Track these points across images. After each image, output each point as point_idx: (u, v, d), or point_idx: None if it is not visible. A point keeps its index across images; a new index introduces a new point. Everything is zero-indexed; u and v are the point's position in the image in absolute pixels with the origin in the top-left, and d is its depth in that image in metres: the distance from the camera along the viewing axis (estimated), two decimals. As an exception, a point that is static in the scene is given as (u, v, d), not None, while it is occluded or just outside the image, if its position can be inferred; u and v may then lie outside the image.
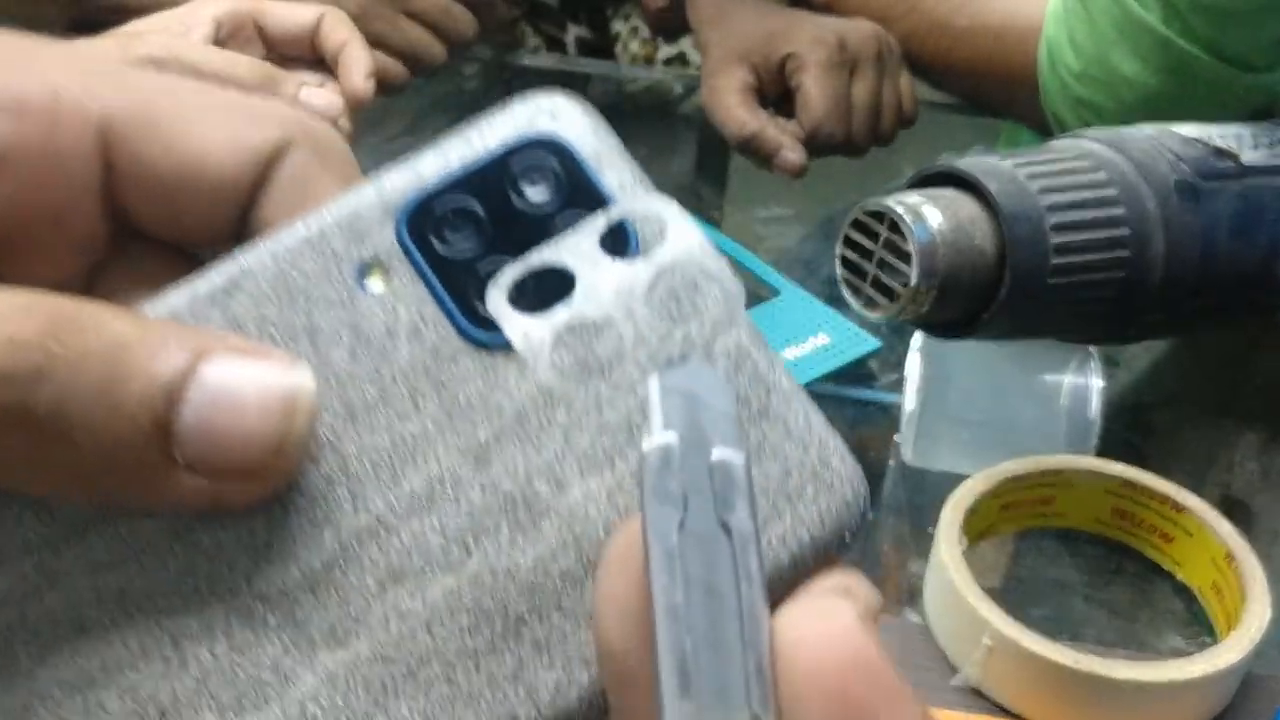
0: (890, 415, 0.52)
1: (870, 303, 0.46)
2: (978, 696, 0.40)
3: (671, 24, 0.82)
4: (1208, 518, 0.43)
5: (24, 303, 0.15)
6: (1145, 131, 0.49)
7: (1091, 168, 0.46)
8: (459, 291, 0.17)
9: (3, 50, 0.18)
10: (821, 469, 0.17)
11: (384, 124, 0.75)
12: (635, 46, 0.93)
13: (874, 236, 0.45)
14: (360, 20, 0.67)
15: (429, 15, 0.69)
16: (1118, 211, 0.46)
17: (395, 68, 0.68)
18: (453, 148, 0.18)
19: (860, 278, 0.46)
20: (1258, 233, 0.49)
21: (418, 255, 0.17)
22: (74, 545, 0.16)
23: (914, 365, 0.49)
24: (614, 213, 0.17)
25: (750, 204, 0.73)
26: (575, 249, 0.17)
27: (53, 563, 0.16)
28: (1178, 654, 0.40)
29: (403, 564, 0.16)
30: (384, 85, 0.68)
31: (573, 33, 0.92)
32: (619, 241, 0.17)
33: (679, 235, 0.17)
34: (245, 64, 0.54)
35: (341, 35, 0.59)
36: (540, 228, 0.17)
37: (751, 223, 0.71)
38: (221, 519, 0.16)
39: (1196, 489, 0.45)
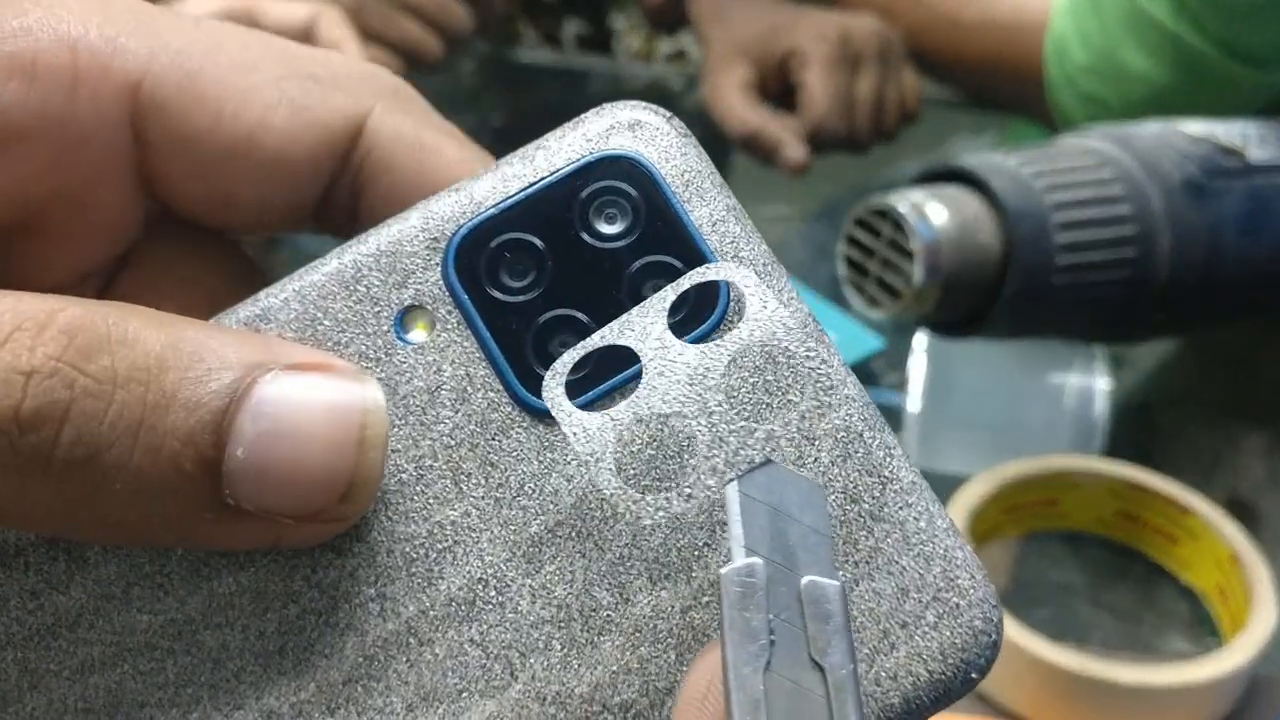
0: (894, 416, 0.52)
1: (873, 301, 0.45)
2: (981, 700, 0.40)
3: (669, 18, 0.82)
4: (1213, 520, 0.43)
5: (38, 316, 0.12)
6: (1151, 129, 0.49)
7: (1097, 165, 0.46)
8: (514, 346, 0.14)
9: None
10: (946, 589, 0.14)
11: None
12: (634, 43, 0.92)
13: (877, 234, 0.44)
14: (357, 16, 0.66)
15: (426, 10, 0.69)
16: (1123, 210, 0.45)
17: (392, 63, 0.68)
18: (512, 168, 0.15)
19: (863, 276, 0.46)
20: (1264, 231, 0.48)
21: (467, 300, 0.14)
22: (62, 639, 0.13)
23: (918, 365, 0.49)
24: (684, 283, 0.14)
25: (752, 201, 0.72)
26: (642, 328, 0.14)
27: (36, 660, 0.13)
28: (1183, 657, 0.40)
29: (435, 683, 0.13)
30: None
31: (570, 29, 0.92)
32: (695, 314, 0.14)
33: (758, 309, 0.14)
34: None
35: (337, 35, 0.59)
36: (614, 269, 0.15)
37: (753, 220, 0.71)
38: (229, 616, 0.13)
39: (1202, 491, 0.44)
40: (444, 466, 0.14)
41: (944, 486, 0.44)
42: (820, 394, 0.14)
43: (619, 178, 0.15)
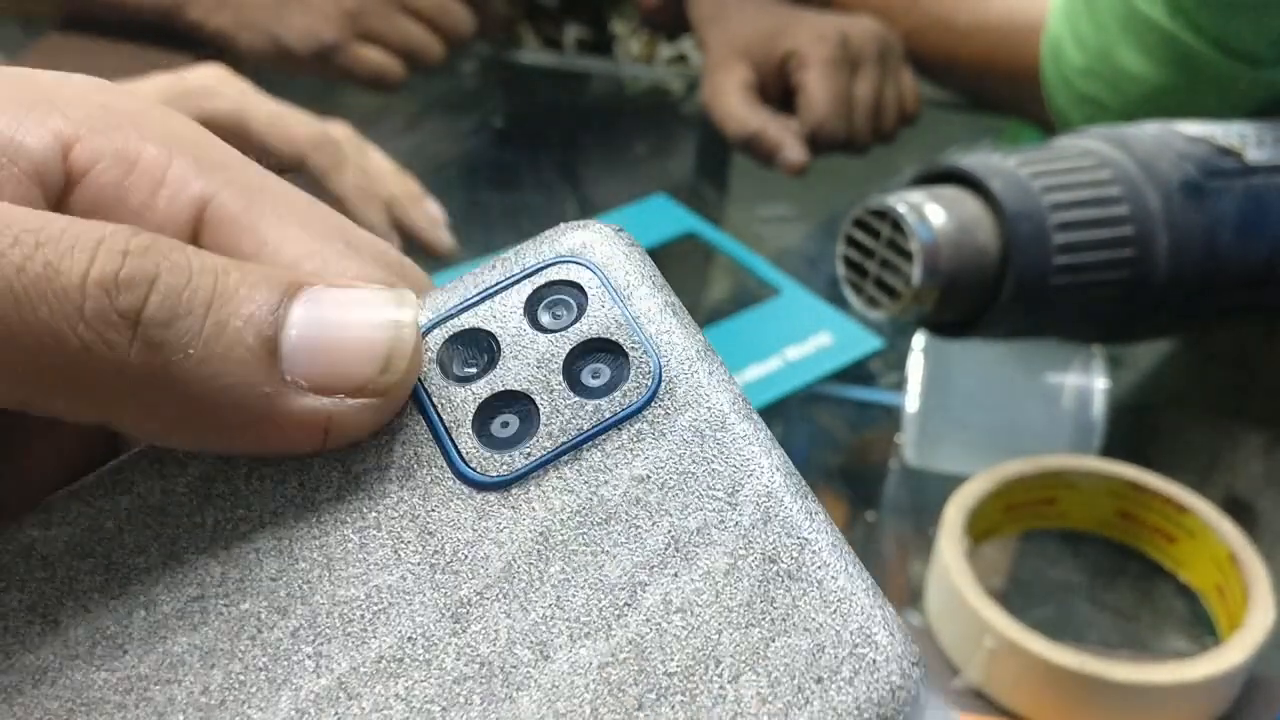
0: (892, 416, 0.52)
1: (872, 302, 0.45)
2: (979, 698, 0.40)
3: (666, 20, 0.82)
4: (1211, 519, 0.43)
5: (129, 228, 0.15)
6: (1149, 130, 0.49)
7: (1095, 166, 0.46)
8: (460, 424, 0.16)
9: (129, 98, 0.18)
10: (863, 645, 0.14)
11: (382, 122, 0.75)
12: (635, 47, 0.93)
13: (876, 235, 0.45)
14: (358, 17, 0.67)
15: (427, 12, 0.69)
16: (1121, 210, 0.45)
17: (393, 65, 0.68)
18: (475, 275, 0.17)
19: (862, 277, 0.46)
20: (1262, 231, 0.48)
21: (419, 388, 0.16)
22: (26, 694, 0.15)
23: (916, 365, 0.49)
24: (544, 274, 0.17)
25: (751, 202, 0.73)
26: (503, 316, 0.16)
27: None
28: (1180, 655, 0.40)
29: None
30: (382, 83, 0.68)
31: (572, 33, 0.92)
32: (626, 393, 0.16)
33: (688, 384, 0.16)
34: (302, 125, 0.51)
35: (368, 157, 0.55)
36: (555, 354, 0.16)
37: (753, 221, 0.71)
38: (178, 673, 0.15)
39: (1200, 490, 0.44)
40: (386, 536, 0.15)
41: (942, 486, 0.45)
42: (745, 462, 0.15)
43: (566, 277, 0.17)
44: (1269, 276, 0.49)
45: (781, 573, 0.15)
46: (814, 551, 0.15)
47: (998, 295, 0.44)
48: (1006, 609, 0.39)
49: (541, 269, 0.17)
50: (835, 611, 0.14)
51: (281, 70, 0.68)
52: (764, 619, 0.14)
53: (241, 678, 0.15)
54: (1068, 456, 0.46)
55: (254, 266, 0.16)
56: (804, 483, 0.15)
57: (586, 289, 0.16)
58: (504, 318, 0.16)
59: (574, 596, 0.15)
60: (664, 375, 0.16)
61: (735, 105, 0.67)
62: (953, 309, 0.44)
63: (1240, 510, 0.47)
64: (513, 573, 0.15)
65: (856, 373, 0.55)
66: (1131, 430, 0.51)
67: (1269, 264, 0.49)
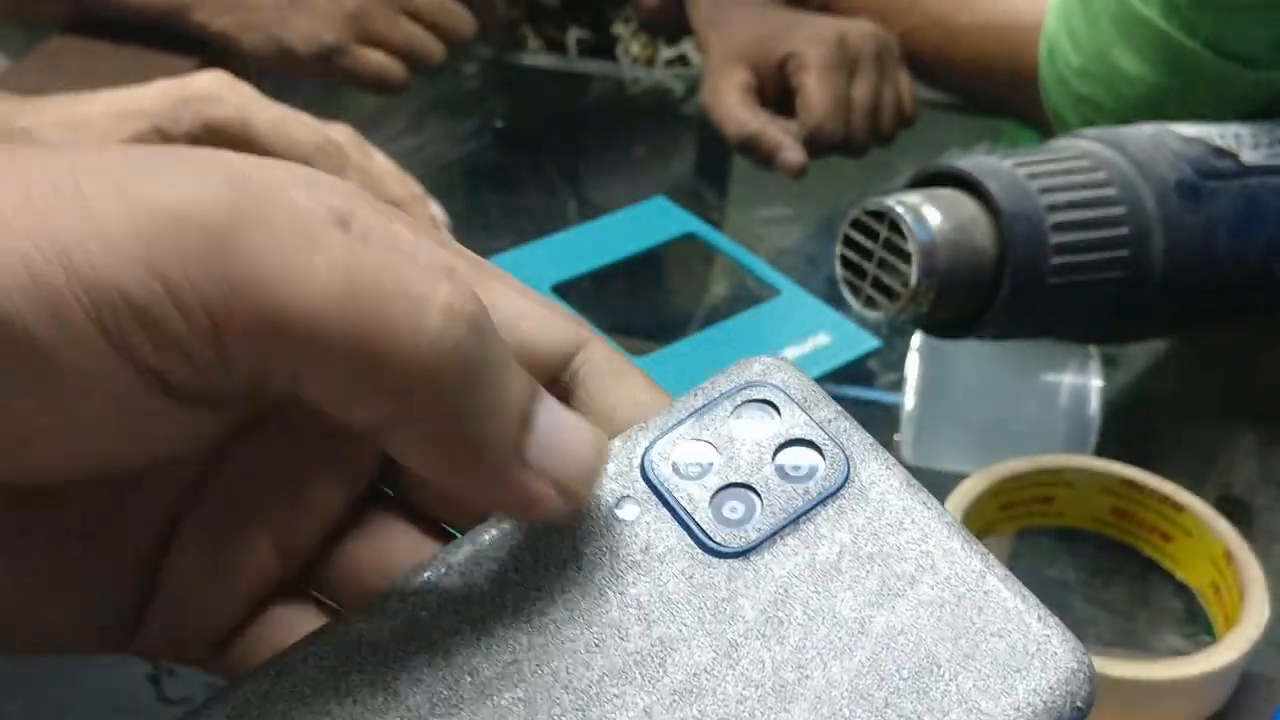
0: (890, 415, 0.52)
1: (870, 302, 0.46)
2: (977, 695, 0.40)
3: (665, 23, 0.82)
4: (1207, 517, 0.43)
5: (445, 259, 0.19)
6: (1145, 131, 0.49)
7: (1091, 167, 0.47)
8: (699, 511, 0.20)
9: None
10: (1044, 643, 0.18)
11: (384, 124, 0.75)
12: (636, 48, 0.93)
13: (874, 236, 0.45)
14: (360, 20, 0.67)
15: (428, 14, 0.69)
16: (1117, 211, 0.46)
17: (395, 68, 0.68)
18: (683, 401, 0.21)
19: (860, 277, 0.46)
20: (1258, 232, 0.49)
21: (661, 487, 0.20)
22: None
23: (914, 365, 0.49)
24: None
25: (751, 204, 0.73)
26: (729, 432, 0.21)
27: None
28: (1176, 653, 0.40)
29: None
30: (384, 85, 0.68)
31: (574, 34, 0.92)
32: (822, 480, 0.20)
33: (871, 470, 0.20)
34: (303, 130, 0.51)
35: (373, 158, 0.54)
36: (761, 454, 0.20)
37: (752, 222, 0.71)
38: (504, 715, 0.18)
39: (1196, 488, 0.45)
40: (659, 598, 0.19)
41: (940, 484, 0.45)
42: (926, 522, 0.20)
43: (759, 397, 0.21)
44: (1264, 276, 0.49)
45: (972, 597, 0.19)
46: (992, 581, 0.19)
47: (994, 295, 0.44)
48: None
49: (736, 392, 0.21)
50: (1018, 621, 0.18)
51: (284, 72, 0.68)
52: (966, 632, 0.18)
53: (562, 718, 0.18)
54: (1064, 455, 0.46)
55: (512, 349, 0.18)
56: (971, 533, 0.20)
57: (776, 403, 0.21)
58: (716, 429, 0.21)
59: (818, 630, 0.19)
60: (851, 463, 0.20)
61: (734, 107, 0.67)
62: (950, 309, 0.45)
63: (1236, 508, 0.48)
64: (766, 618, 0.19)
65: (854, 372, 0.55)
66: (1127, 429, 0.52)
67: (1264, 264, 0.49)
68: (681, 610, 0.19)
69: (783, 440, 0.20)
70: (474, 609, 0.19)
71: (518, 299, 0.20)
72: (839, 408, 0.21)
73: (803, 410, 0.21)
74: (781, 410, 0.21)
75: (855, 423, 0.21)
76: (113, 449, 0.17)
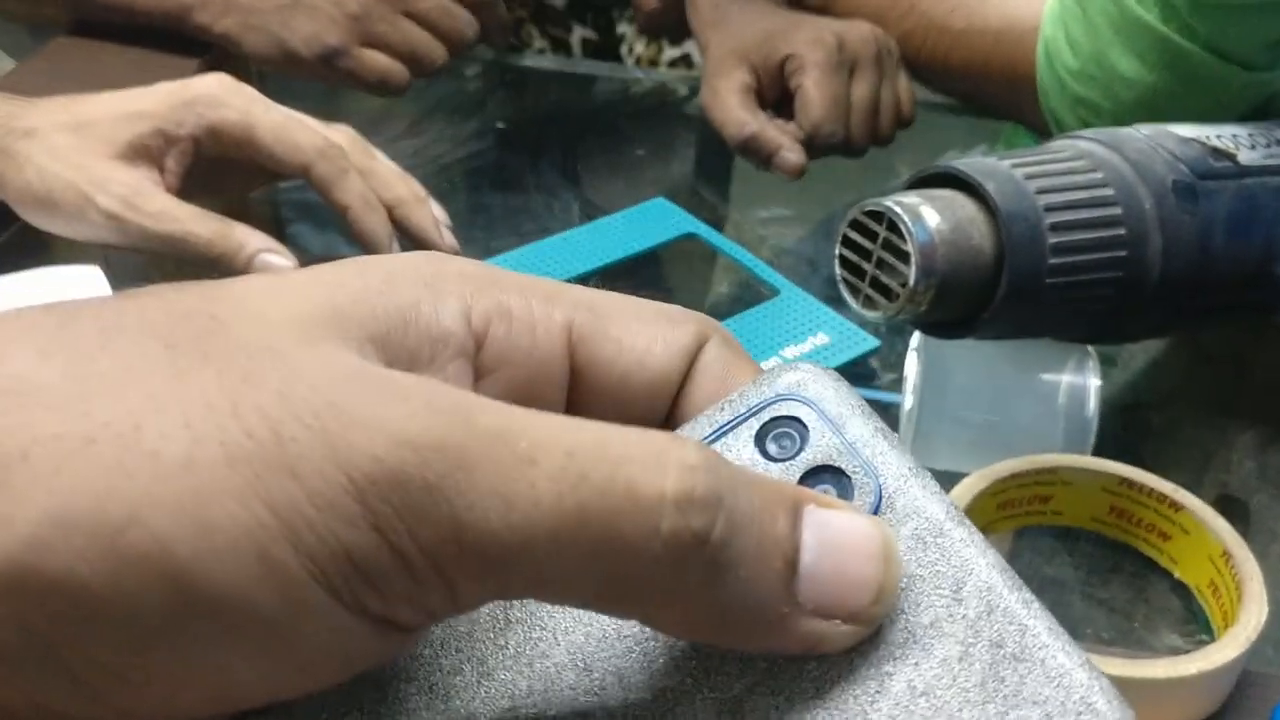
0: (889, 414, 0.53)
1: (869, 302, 0.46)
2: (975, 693, 0.41)
3: (665, 24, 0.82)
4: (1205, 516, 0.44)
5: (687, 440, 0.16)
6: (1142, 132, 0.50)
7: (1089, 168, 0.47)
8: None
9: (456, 261, 0.19)
10: (1085, 712, 0.16)
11: (385, 125, 0.76)
12: (640, 49, 0.93)
13: (873, 236, 0.45)
14: (363, 22, 0.67)
15: (430, 16, 0.70)
16: (1115, 211, 0.46)
17: (398, 70, 0.68)
18: (708, 415, 0.19)
19: (859, 277, 0.46)
20: (1255, 233, 0.49)
21: None
22: None
23: (912, 364, 0.49)
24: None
25: (751, 204, 0.74)
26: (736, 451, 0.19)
27: None
28: (1175, 652, 0.41)
29: None
30: (386, 87, 0.68)
31: (578, 35, 0.92)
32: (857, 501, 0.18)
33: (905, 498, 0.18)
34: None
35: (373, 160, 0.54)
36: (789, 475, 0.19)
37: (752, 223, 0.71)
38: None
39: (1194, 488, 0.45)
40: (663, 649, 0.18)
41: (938, 484, 0.45)
42: (964, 563, 0.17)
43: (788, 413, 0.19)
44: (1261, 277, 0.49)
45: (1008, 655, 0.16)
46: (1034, 635, 0.16)
47: (993, 295, 0.45)
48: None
49: (765, 407, 0.19)
50: (1058, 685, 0.16)
51: (286, 74, 0.68)
52: (996, 695, 0.16)
53: None
54: (1062, 454, 0.46)
55: (764, 481, 0.17)
56: (1017, 576, 0.17)
57: (806, 421, 0.19)
58: (739, 451, 0.19)
59: (830, 687, 0.17)
60: (884, 492, 0.18)
61: (734, 108, 0.67)
62: (948, 309, 0.45)
63: (1234, 507, 0.48)
64: (775, 671, 0.17)
65: (854, 372, 0.55)
66: (1125, 428, 0.52)
67: (1261, 264, 0.49)
68: (686, 661, 0.17)
69: (808, 467, 0.19)
70: (476, 648, 0.18)
71: (638, 328, 0.20)
72: (878, 424, 0.19)
73: (834, 430, 0.19)
74: (810, 430, 0.19)
75: (895, 440, 0.19)
76: (315, 681, 0.16)
